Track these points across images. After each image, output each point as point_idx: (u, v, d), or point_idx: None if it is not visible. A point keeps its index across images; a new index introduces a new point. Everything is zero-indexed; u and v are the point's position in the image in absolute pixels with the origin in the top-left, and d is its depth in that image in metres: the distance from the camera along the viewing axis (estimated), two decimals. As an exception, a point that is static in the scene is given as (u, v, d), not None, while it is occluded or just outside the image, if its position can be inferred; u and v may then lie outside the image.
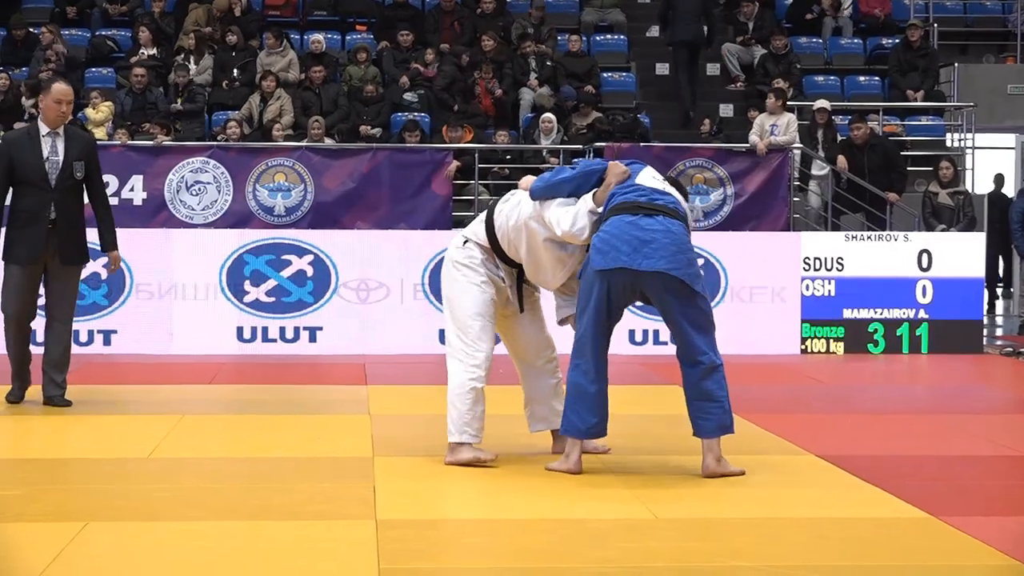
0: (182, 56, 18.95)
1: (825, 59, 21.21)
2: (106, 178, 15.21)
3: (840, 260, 14.39)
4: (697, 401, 7.66)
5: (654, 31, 20.97)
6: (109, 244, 10.24)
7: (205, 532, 6.31)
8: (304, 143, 16.44)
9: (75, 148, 10.00)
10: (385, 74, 19.04)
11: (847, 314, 14.43)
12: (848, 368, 13.59)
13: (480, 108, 18.39)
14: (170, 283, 13.98)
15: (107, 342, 13.91)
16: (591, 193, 7.71)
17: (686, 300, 7.53)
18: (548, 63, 19.16)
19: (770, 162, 16.24)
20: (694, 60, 19.76)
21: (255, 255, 14.14)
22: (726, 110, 19.76)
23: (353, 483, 7.40)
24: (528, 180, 7.98)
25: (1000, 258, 22.24)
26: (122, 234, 13.52)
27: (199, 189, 15.74)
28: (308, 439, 8.99)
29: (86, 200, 10.19)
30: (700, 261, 8.25)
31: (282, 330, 14.08)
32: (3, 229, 10.05)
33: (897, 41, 20.43)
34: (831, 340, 14.41)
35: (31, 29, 19.59)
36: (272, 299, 14.11)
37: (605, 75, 19.88)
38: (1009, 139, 24.39)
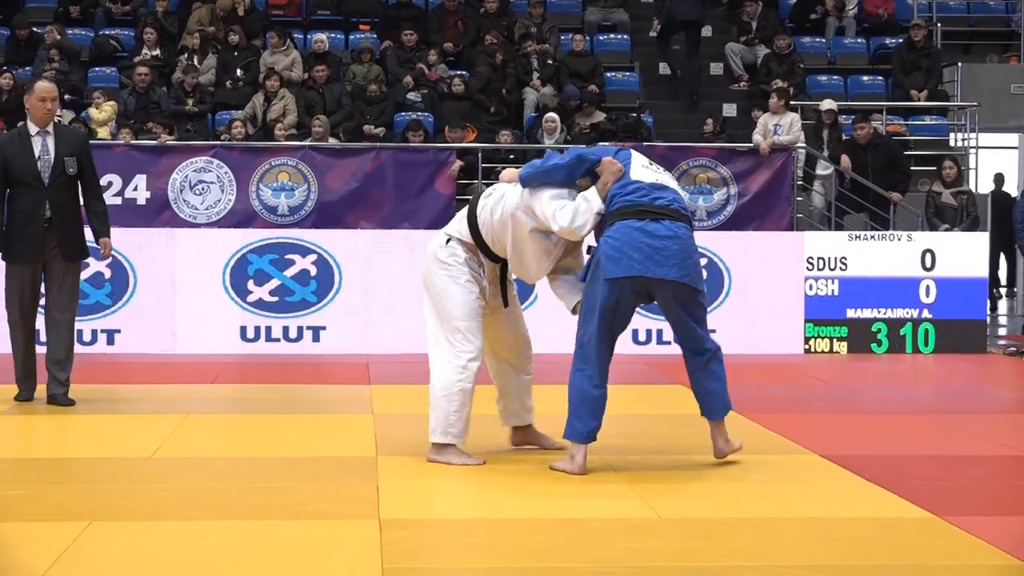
0: (185, 56, 18.96)
1: (828, 59, 21.20)
2: (110, 177, 15.44)
3: (843, 260, 14.39)
4: (706, 383, 7.87)
5: (658, 30, 20.98)
6: (101, 232, 10.25)
7: (208, 532, 6.31)
8: (307, 143, 16.44)
9: (66, 144, 10.05)
10: (389, 73, 19.04)
11: (850, 314, 14.43)
12: (851, 368, 13.58)
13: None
14: (173, 282, 13.98)
15: (110, 341, 13.91)
16: (592, 190, 7.67)
17: (692, 300, 7.71)
18: (551, 63, 19.16)
19: (773, 162, 16.23)
20: (696, 40, 19.94)
21: (258, 255, 14.14)
22: (729, 110, 19.75)
23: (356, 482, 7.40)
24: (509, 173, 7.98)
25: (1002, 257, 22.22)
26: (126, 233, 13.71)
27: (203, 189, 15.74)
28: (311, 438, 9.00)
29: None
30: (703, 261, 8.33)
31: (285, 329, 14.09)
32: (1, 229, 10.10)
33: (900, 41, 20.42)
34: (834, 340, 14.41)
35: (34, 28, 19.60)
36: (275, 299, 14.11)
37: (608, 74, 19.88)
38: (1012, 139, 24.42)
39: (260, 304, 14.08)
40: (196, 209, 15.69)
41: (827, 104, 17.35)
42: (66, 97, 17.89)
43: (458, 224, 7.95)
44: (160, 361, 13.28)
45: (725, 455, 7.96)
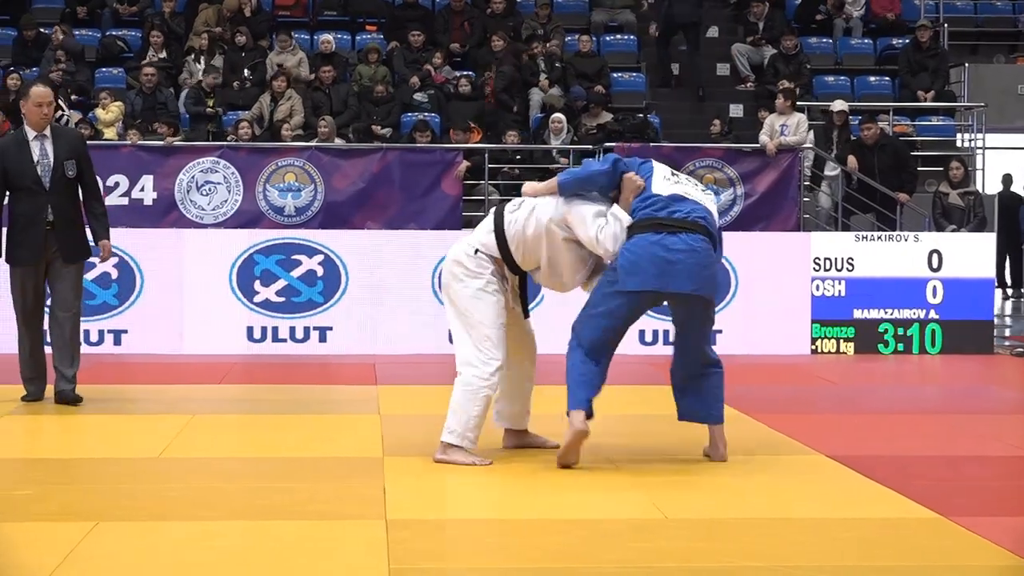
0: (192, 57, 18.97)
1: (835, 59, 21.20)
2: (116, 178, 15.47)
3: (850, 260, 14.38)
4: (712, 391, 7.99)
5: (658, 32, 21.01)
6: (101, 234, 10.30)
7: (215, 532, 6.32)
8: (314, 143, 16.44)
9: (64, 147, 10.09)
10: (395, 74, 19.05)
11: (857, 314, 14.42)
12: (858, 368, 13.58)
13: (490, 108, 18.39)
14: (180, 283, 13.99)
15: (117, 342, 13.92)
16: (618, 208, 7.78)
17: (704, 313, 7.86)
18: (557, 64, 19.16)
19: (780, 162, 16.22)
20: (696, 39, 20.29)
21: (265, 255, 14.15)
22: (736, 110, 19.77)
23: (363, 483, 7.40)
24: (531, 187, 8.05)
25: (1008, 258, 22.19)
26: (132, 234, 13.74)
27: (209, 189, 15.76)
28: (318, 439, 9.01)
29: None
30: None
31: (292, 330, 14.10)
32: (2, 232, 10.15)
33: (907, 41, 20.41)
34: (841, 340, 14.40)
35: (41, 29, 19.62)
36: (282, 299, 14.12)
37: (615, 75, 19.88)
38: (1020, 139, 24.37)
39: (267, 304, 14.09)
40: (203, 210, 15.71)
41: (839, 105, 17.33)
42: (73, 98, 17.93)
43: (484, 238, 7.95)
44: (167, 361, 13.29)
45: (724, 458, 8.03)
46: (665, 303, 7.92)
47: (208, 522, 6.51)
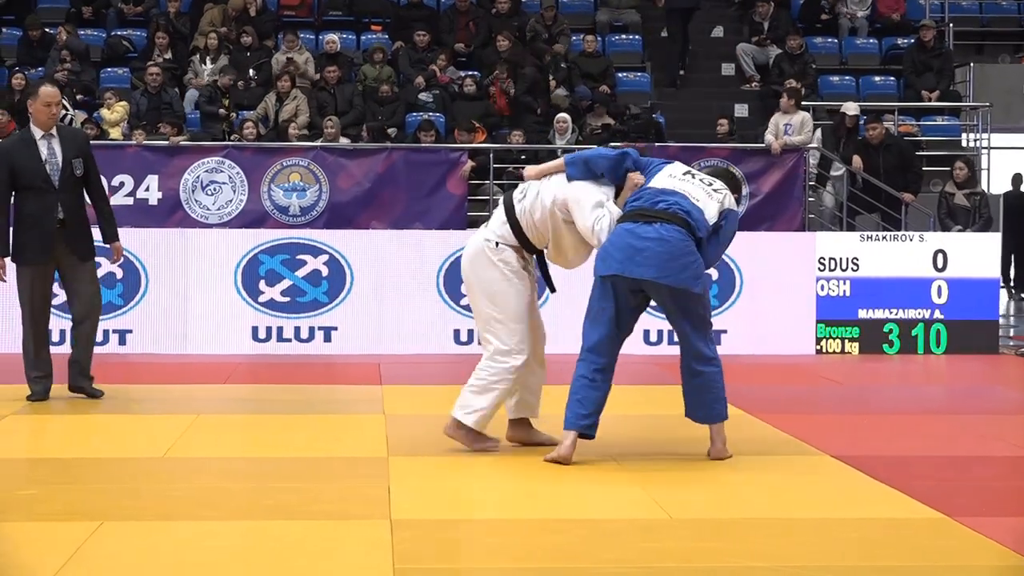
0: (198, 56, 18.99)
1: (841, 59, 21.20)
2: (122, 178, 15.49)
3: (855, 260, 14.37)
4: (712, 390, 7.97)
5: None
6: (111, 236, 10.41)
7: (220, 532, 6.32)
8: (319, 143, 16.45)
9: (71, 147, 10.16)
10: (400, 74, 19.06)
11: (862, 314, 14.40)
12: (863, 368, 13.57)
13: (495, 108, 18.40)
14: (185, 283, 13.99)
15: (122, 342, 13.93)
16: (612, 203, 7.94)
17: (684, 304, 7.83)
18: (563, 64, 19.16)
19: (785, 162, 16.22)
20: (686, 25, 20.62)
21: (270, 255, 14.15)
22: (741, 110, 19.76)
23: (367, 483, 7.41)
24: (532, 169, 8.24)
25: (1013, 257, 22.17)
26: (137, 234, 13.74)
27: (214, 189, 15.77)
28: (323, 439, 9.01)
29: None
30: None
31: (297, 330, 14.10)
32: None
33: (912, 41, 20.41)
34: (846, 340, 14.39)
35: (47, 29, 19.64)
36: (287, 299, 14.12)
37: (620, 75, 19.88)
38: (1025, 139, 24.37)
39: (272, 304, 14.09)
40: (208, 209, 15.71)
41: (852, 109, 17.27)
42: (78, 97, 17.95)
43: (500, 229, 8.11)
44: (171, 361, 13.30)
45: (722, 457, 8.05)
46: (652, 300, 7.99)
47: (212, 522, 6.52)
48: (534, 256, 8.20)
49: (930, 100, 19.47)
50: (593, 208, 7.84)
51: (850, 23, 21.49)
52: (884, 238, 14.59)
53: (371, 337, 14.06)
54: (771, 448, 8.55)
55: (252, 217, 15.67)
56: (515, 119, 18.21)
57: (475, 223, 15.94)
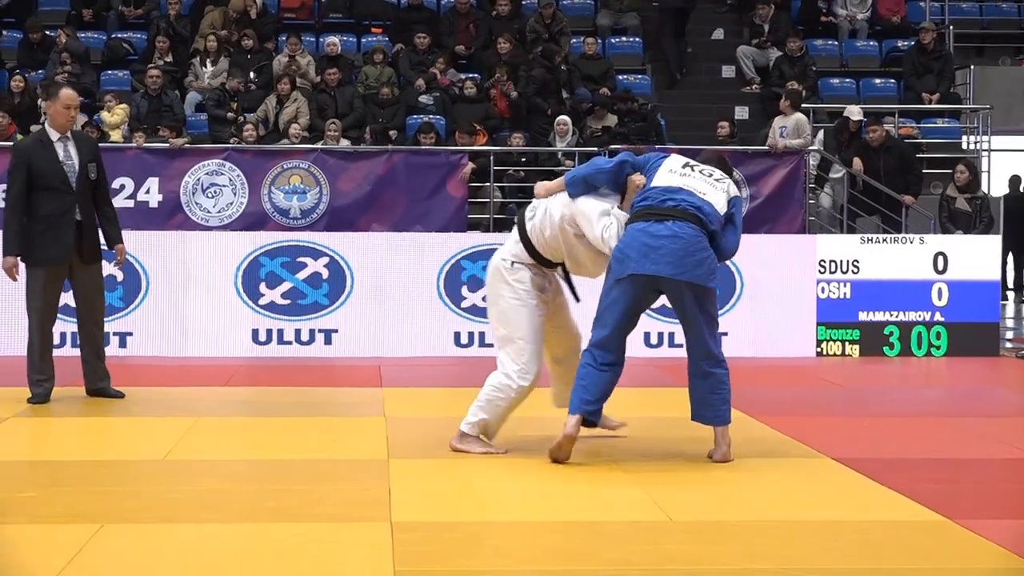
0: (198, 59, 18.99)
1: (841, 61, 21.19)
2: (122, 180, 15.48)
3: (856, 263, 14.37)
4: (718, 392, 8.01)
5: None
6: (115, 239, 10.49)
7: (221, 534, 6.32)
8: (319, 145, 16.45)
9: (85, 150, 10.28)
10: (401, 76, 19.06)
11: (863, 316, 14.40)
12: (864, 371, 13.56)
13: (496, 111, 18.40)
14: (185, 285, 13.99)
15: (123, 344, 13.92)
16: (618, 210, 8.04)
17: (696, 301, 7.87)
18: (563, 67, 19.16)
19: (785, 164, 16.21)
20: (682, 25, 20.65)
21: (270, 257, 14.15)
22: (741, 112, 19.76)
23: (368, 485, 7.41)
24: (542, 187, 8.33)
25: (1012, 259, 22.16)
26: (138, 236, 13.74)
27: (215, 191, 15.76)
28: (323, 441, 9.01)
29: None
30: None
31: (297, 332, 14.09)
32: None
33: (912, 44, 20.41)
34: (846, 343, 14.39)
35: (47, 32, 19.64)
36: (287, 301, 14.11)
37: (620, 78, 19.88)
38: (1025, 141, 24.35)
39: (272, 307, 14.09)
40: (208, 212, 15.71)
41: (856, 114, 17.25)
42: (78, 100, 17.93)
43: (515, 248, 8.26)
44: (172, 364, 13.30)
45: (726, 460, 8.08)
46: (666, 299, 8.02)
47: (213, 524, 6.52)
48: (557, 269, 8.31)
49: (930, 102, 19.48)
50: (599, 217, 7.95)
51: (850, 25, 21.49)
52: (884, 240, 14.59)
53: (372, 339, 14.06)
54: (772, 450, 8.56)
55: (252, 219, 15.65)
56: (521, 121, 18.20)
57: (475, 225, 16.01)
